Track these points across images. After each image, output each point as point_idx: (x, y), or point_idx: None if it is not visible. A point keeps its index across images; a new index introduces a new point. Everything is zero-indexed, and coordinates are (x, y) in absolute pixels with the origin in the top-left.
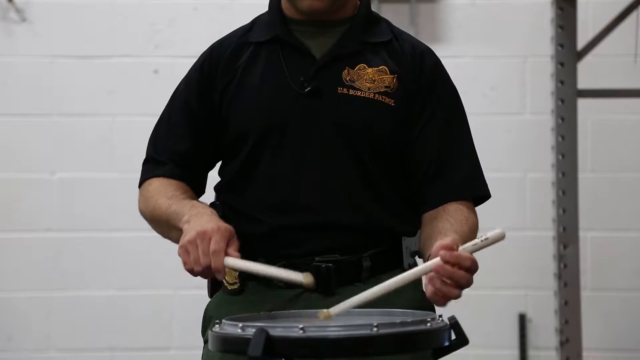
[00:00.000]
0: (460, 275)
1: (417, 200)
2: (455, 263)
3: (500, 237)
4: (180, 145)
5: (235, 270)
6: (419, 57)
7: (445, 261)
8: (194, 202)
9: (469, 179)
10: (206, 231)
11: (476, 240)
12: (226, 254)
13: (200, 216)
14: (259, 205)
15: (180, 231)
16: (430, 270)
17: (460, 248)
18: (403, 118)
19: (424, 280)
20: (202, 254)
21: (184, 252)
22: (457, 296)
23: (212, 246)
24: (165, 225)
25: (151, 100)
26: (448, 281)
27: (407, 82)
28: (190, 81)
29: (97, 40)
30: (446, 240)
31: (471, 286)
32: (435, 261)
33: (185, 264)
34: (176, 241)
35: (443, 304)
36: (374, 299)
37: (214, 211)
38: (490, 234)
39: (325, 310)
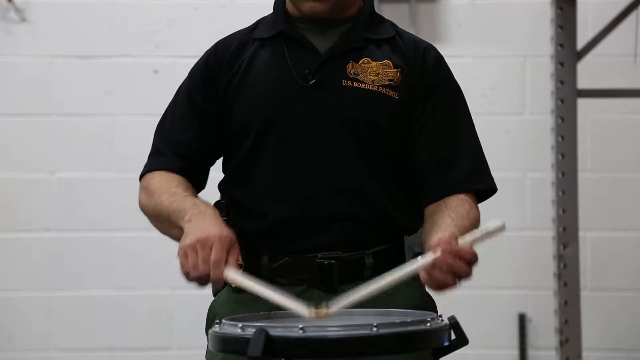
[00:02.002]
0: (459, 266)
1: (419, 194)
2: (455, 256)
3: (500, 229)
4: (183, 137)
5: (233, 283)
6: (422, 52)
7: (446, 253)
8: (196, 200)
9: (471, 173)
10: (207, 238)
11: (476, 233)
12: (226, 263)
13: (202, 217)
14: (263, 197)
15: (181, 230)
16: (430, 265)
17: (460, 241)
18: (406, 111)
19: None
20: (201, 262)
21: (183, 256)
22: (453, 285)
23: (213, 256)
24: (167, 223)
25: (151, 100)
26: (446, 272)
27: (410, 76)
28: (195, 75)
29: (97, 40)
30: (445, 234)
31: (471, 286)
32: (435, 255)
33: (182, 267)
34: (177, 239)
35: (437, 290)
36: (373, 296)
37: (216, 211)
38: (490, 226)
39: (324, 309)
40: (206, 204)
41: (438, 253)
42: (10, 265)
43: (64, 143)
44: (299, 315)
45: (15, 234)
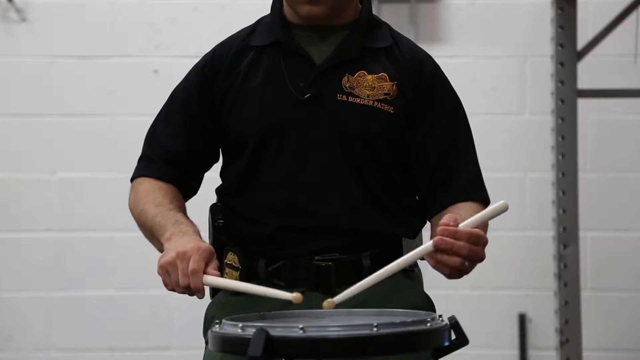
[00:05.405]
0: (459, 246)
1: (423, 206)
2: (454, 236)
3: (502, 209)
4: (174, 145)
5: (215, 287)
6: (419, 63)
7: (443, 235)
8: (179, 216)
9: (471, 184)
10: (185, 251)
11: (477, 215)
12: (205, 273)
13: (181, 236)
14: (259, 208)
15: (161, 244)
16: (430, 250)
17: (462, 224)
18: (402, 125)
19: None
20: (181, 275)
21: (164, 274)
22: (461, 265)
23: (191, 266)
24: (149, 233)
25: (151, 100)
26: (449, 253)
27: (406, 88)
28: (191, 82)
29: (97, 40)
30: (444, 219)
31: (471, 286)
32: (434, 239)
33: (166, 285)
34: (158, 250)
35: (449, 273)
36: (376, 282)
37: (197, 229)
38: (492, 206)
39: (329, 299)
40: (188, 222)
41: (436, 237)
42: (10, 265)
43: (64, 143)
44: (285, 299)
45: (15, 234)
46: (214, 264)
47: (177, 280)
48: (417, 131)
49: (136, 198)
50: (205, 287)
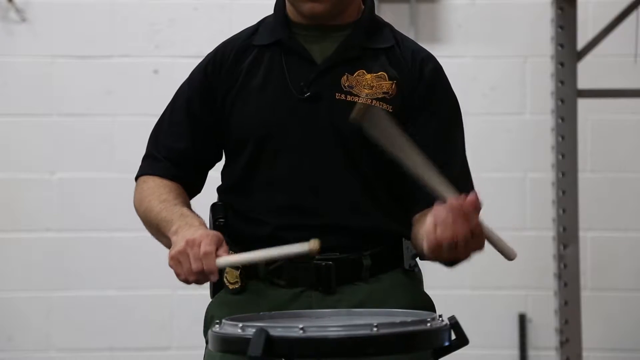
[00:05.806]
0: (460, 224)
1: (407, 204)
2: (465, 208)
3: (509, 256)
4: (178, 144)
5: (229, 266)
6: (420, 63)
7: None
8: (184, 210)
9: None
10: (195, 239)
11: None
12: (217, 256)
13: (188, 227)
14: (260, 207)
15: (169, 239)
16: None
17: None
18: (401, 124)
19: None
20: (193, 259)
21: (176, 263)
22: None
23: (202, 249)
24: (155, 230)
25: (151, 100)
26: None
27: (405, 88)
28: (193, 82)
29: (97, 40)
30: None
31: (471, 286)
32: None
33: (178, 275)
34: (166, 246)
35: (440, 251)
36: None
37: (202, 221)
38: (507, 243)
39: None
40: (193, 215)
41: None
42: (10, 265)
43: (64, 143)
44: (302, 253)
45: (15, 234)
46: (224, 247)
47: (189, 267)
48: (411, 130)
49: (141, 196)
50: (217, 273)
